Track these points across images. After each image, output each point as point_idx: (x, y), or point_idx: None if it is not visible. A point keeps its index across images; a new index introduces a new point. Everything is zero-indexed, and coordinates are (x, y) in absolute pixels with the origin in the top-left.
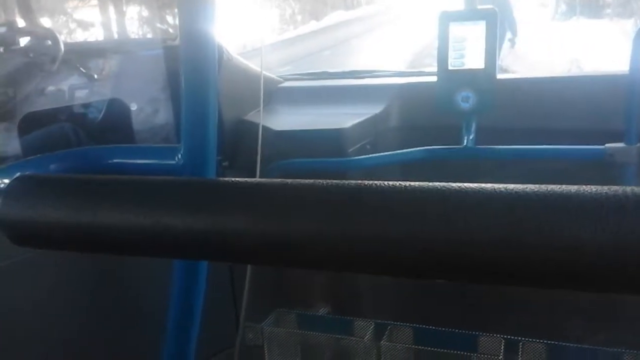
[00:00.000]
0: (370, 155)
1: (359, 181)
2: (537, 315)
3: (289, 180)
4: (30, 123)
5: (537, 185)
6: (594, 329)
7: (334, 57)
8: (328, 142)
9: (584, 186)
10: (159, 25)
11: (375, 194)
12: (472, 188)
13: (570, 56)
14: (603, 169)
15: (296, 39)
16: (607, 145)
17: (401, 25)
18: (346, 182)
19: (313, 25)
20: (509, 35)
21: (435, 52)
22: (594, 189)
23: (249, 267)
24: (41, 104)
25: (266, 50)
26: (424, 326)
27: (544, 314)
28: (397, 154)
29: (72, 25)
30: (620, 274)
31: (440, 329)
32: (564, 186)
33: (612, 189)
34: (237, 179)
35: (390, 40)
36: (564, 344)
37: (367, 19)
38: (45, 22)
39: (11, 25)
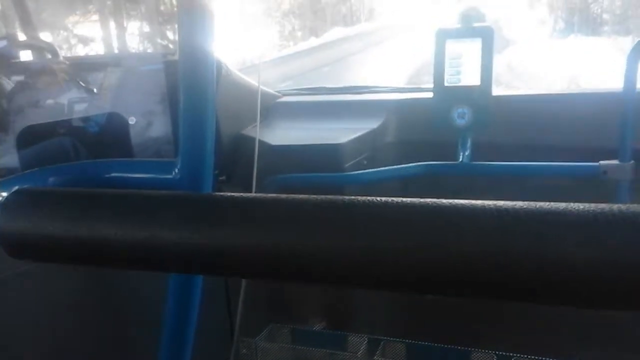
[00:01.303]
0: (367, 171)
1: (353, 197)
2: (529, 331)
3: (284, 196)
4: (29, 136)
5: (526, 203)
6: (587, 346)
7: (333, 73)
8: (325, 157)
9: (572, 203)
10: (159, 40)
11: (370, 210)
12: (462, 205)
13: (568, 73)
14: (597, 185)
15: (295, 55)
16: (601, 162)
17: (400, 41)
18: (340, 197)
19: (313, 41)
20: None
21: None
22: (581, 206)
23: (243, 281)
24: (40, 117)
25: (266, 66)
26: (417, 342)
27: (536, 329)
28: (394, 169)
29: (73, 41)
30: (609, 290)
31: (433, 344)
32: (552, 203)
33: (599, 207)
34: (233, 193)
35: (389, 56)
36: None
37: (366, 36)
38: (46, 36)
39: (11, 38)
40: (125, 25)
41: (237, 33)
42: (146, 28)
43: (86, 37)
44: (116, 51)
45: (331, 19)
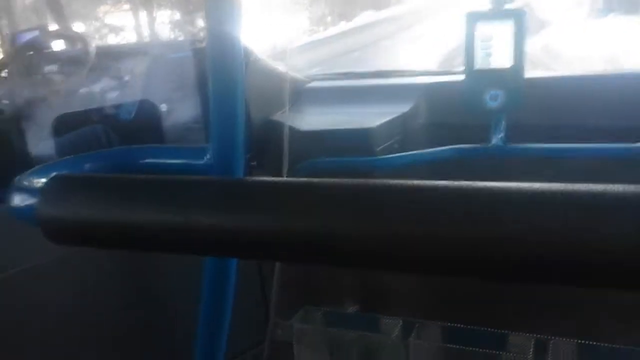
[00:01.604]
0: (398, 154)
1: (385, 180)
2: (567, 314)
3: (316, 180)
4: (64, 124)
5: (562, 184)
6: (627, 329)
7: (364, 58)
8: (355, 141)
9: (610, 185)
10: (190, 28)
11: (402, 193)
12: (497, 187)
13: (607, 54)
14: (636, 166)
15: (325, 40)
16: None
17: (432, 24)
18: (372, 180)
19: (343, 26)
20: None
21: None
22: (620, 188)
23: (277, 264)
24: (73, 106)
25: (295, 51)
26: (452, 324)
27: (574, 312)
28: (426, 152)
29: (105, 30)
30: None
31: (468, 327)
32: (590, 185)
33: (638, 187)
34: (264, 178)
35: (420, 40)
36: (595, 343)
37: (397, 19)
38: (79, 26)
39: (43, 29)
40: (155, 14)
41: (267, 19)
42: (177, 16)
43: (117, 26)
44: (147, 40)
45: (361, 3)
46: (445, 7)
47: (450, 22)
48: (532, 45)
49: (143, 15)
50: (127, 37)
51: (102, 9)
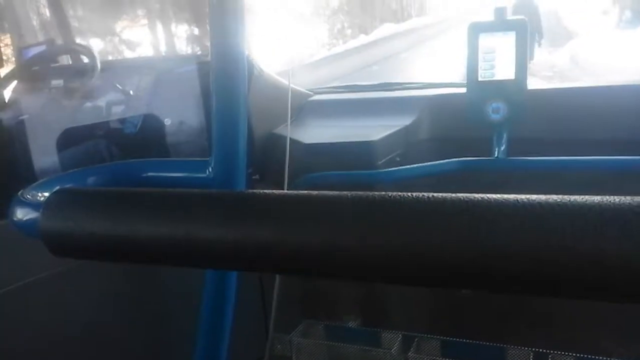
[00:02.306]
0: (400, 167)
1: (387, 193)
2: (566, 328)
3: (316, 192)
4: (69, 138)
5: (559, 196)
6: (626, 342)
7: (383, 72)
8: (357, 154)
9: (606, 197)
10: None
11: (404, 206)
12: (495, 199)
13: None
14: (639, 179)
15: (344, 53)
16: None
17: (452, 37)
18: (374, 193)
19: (362, 39)
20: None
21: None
22: (616, 200)
23: (277, 277)
24: (79, 120)
25: (313, 65)
26: (451, 338)
27: (573, 326)
28: (428, 165)
29: (122, 46)
30: None
31: (468, 341)
32: (586, 197)
33: (635, 199)
34: (265, 190)
35: (440, 53)
36: (593, 357)
37: (416, 32)
38: (96, 42)
39: (50, 44)
40: (173, 28)
41: (286, 32)
42: (195, 31)
43: (135, 41)
44: (164, 54)
45: (381, 15)
46: (467, 19)
47: None
48: (561, 56)
49: (160, 30)
50: (144, 52)
51: (121, 24)
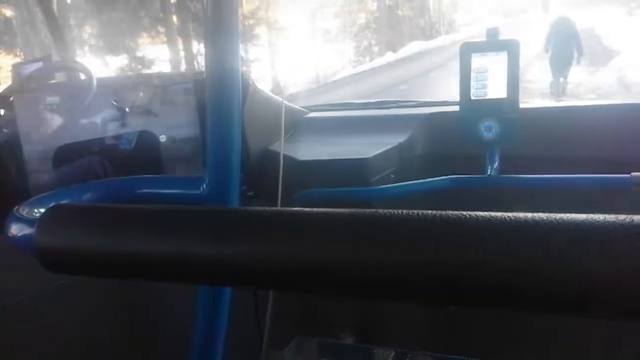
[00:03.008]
0: (394, 185)
1: (380, 210)
2: (559, 345)
3: (310, 209)
4: (64, 155)
5: (546, 214)
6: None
7: (411, 92)
8: (351, 171)
9: (592, 215)
10: None
11: (396, 223)
12: (483, 216)
13: None
14: (629, 197)
15: (370, 71)
16: (632, 174)
17: None
18: (367, 210)
19: (389, 56)
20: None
21: (527, 85)
22: (601, 218)
23: (271, 293)
24: (74, 136)
25: (336, 85)
26: (444, 355)
27: (565, 343)
28: (421, 183)
29: (141, 63)
30: (628, 301)
31: (460, 357)
32: (572, 215)
33: (619, 217)
34: (258, 207)
35: None
36: None
37: (446, 49)
38: (120, 59)
39: (47, 60)
40: (192, 45)
41: (310, 50)
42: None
43: (154, 58)
44: (182, 70)
45: (409, 32)
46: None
47: None
48: (605, 77)
49: (180, 47)
50: (164, 68)
51: (142, 40)
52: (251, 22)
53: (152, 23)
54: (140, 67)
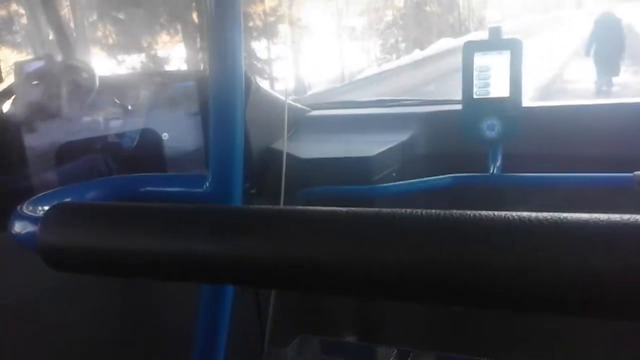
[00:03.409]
0: (396, 183)
1: (382, 208)
2: (561, 344)
3: (312, 208)
4: (67, 152)
5: (550, 214)
6: None
7: (439, 92)
8: (354, 169)
9: (595, 214)
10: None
11: (398, 222)
12: (487, 215)
13: None
14: (632, 196)
15: (396, 70)
16: (635, 173)
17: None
18: (369, 209)
19: (416, 54)
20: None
21: (567, 86)
22: (605, 217)
23: (273, 293)
24: (77, 134)
25: (359, 85)
26: (446, 353)
27: (569, 343)
28: (423, 181)
29: (159, 61)
30: (634, 301)
31: (462, 356)
32: (576, 214)
33: (624, 217)
34: (261, 206)
35: None
36: None
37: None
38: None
39: (49, 59)
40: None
41: (335, 48)
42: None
43: (170, 57)
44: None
45: (437, 29)
46: (531, 32)
47: (539, 49)
48: None
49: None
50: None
51: (161, 39)
52: (272, 19)
53: (170, 21)
54: (154, 65)
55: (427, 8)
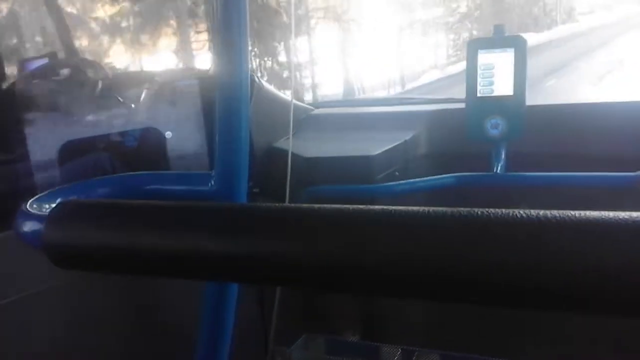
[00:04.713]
0: (399, 182)
1: (385, 207)
2: (568, 344)
3: (316, 206)
4: (70, 151)
5: (559, 211)
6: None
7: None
8: (357, 168)
9: (602, 212)
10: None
11: (401, 220)
12: (494, 213)
13: None
14: (636, 195)
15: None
16: (639, 172)
17: (608, 56)
18: (372, 207)
19: None
20: None
21: None
22: (612, 215)
23: (277, 291)
24: (80, 133)
25: (438, 85)
26: (451, 352)
27: (575, 342)
28: (426, 180)
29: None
30: None
31: (467, 355)
32: (585, 212)
33: (632, 215)
34: (266, 204)
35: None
36: None
37: (563, 43)
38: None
39: (52, 57)
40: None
41: (394, 46)
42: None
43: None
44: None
45: (519, 22)
46: (631, 25)
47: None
48: None
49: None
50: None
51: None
52: (312, 14)
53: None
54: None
55: None
